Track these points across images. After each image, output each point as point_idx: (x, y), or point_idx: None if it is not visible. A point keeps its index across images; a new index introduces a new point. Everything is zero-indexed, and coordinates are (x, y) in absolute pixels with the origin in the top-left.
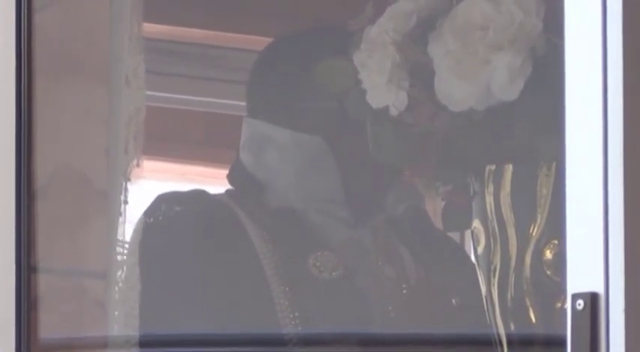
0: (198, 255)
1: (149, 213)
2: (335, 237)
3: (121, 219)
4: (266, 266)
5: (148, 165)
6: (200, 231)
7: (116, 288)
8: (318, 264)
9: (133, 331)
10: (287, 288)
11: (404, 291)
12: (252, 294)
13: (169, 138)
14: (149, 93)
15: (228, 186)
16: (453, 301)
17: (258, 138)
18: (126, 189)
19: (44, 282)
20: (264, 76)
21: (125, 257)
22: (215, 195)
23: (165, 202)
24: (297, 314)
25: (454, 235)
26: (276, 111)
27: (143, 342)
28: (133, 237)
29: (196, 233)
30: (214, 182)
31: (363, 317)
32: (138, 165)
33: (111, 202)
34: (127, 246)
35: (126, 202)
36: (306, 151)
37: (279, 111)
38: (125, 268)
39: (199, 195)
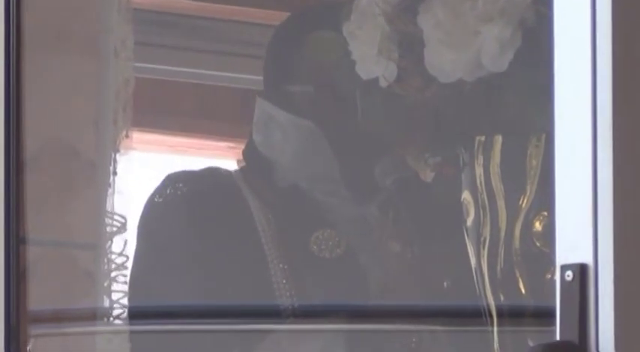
0: (201, 234)
1: (158, 192)
2: (338, 216)
3: (110, 190)
4: (266, 244)
5: (138, 136)
6: (205, 210)
7: (106, 260)
8: (319, 242)
9: (136, 302)
10: (286, 266)
11: (408, 265)
12: (251, 272)
13: (159, 110)
14: (138, 64)
15: (219, 158)
16: (445, 284)
17: (265, 117)
18: (115, 161)
19: (33, 253)
20: (265, 58)
21: (117, 229)
22: (226, 173)
23: (173, 181)
24: (294, 292)
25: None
26: (274, 92)
27: (147, 314)
28: (142, 216)
29: (202, 212)
30: (203, 153)
31: (362, 296)
32: (127, 136)
33: (100, 173)
34: (116, 217)
35: (115, 173)
36: (302, 133)
37: (277, 93)
38: (134, 245)
39: (208, 173)
